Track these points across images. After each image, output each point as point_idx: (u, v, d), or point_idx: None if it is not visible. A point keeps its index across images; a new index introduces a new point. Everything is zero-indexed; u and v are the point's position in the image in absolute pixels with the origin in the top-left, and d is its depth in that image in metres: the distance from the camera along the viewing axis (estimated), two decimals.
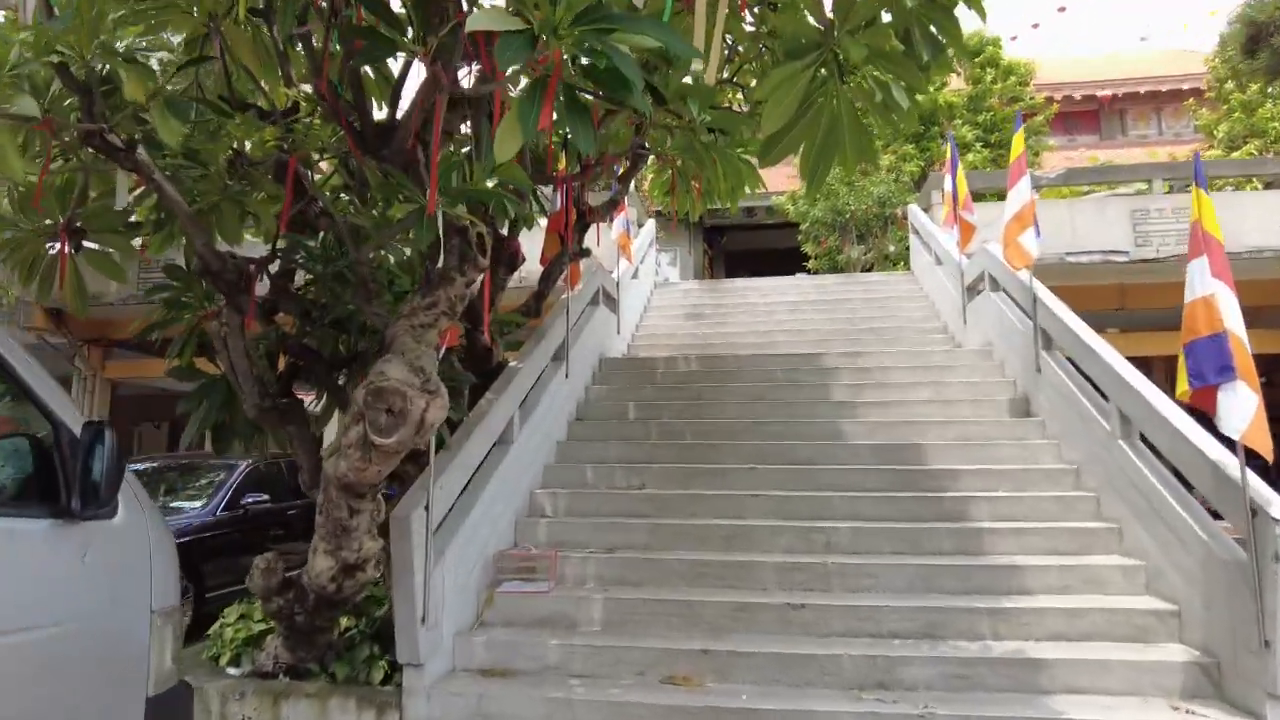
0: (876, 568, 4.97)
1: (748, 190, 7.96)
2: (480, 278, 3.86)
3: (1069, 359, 6.18)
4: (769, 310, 10.67)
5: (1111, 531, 5.16)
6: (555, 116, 2.52)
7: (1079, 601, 4.61)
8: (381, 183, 3.53)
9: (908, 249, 16.44)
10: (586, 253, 6.77)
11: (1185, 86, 22.32)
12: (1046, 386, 6.44)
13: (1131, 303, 11.15)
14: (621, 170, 7.43)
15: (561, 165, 6.35)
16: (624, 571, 5.16)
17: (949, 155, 9.08)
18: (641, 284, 10.98)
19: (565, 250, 6.49)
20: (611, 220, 9.35)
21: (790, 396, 7.42)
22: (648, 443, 6.82)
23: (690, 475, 6.21)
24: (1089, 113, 23.66)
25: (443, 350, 4.47)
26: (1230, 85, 18.60)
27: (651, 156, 8.71)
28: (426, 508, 4.26)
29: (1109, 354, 5.48)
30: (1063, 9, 20.48)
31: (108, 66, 3.69)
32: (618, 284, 9.23)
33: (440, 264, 3.78)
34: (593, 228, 9.40)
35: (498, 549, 5.28)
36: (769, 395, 7.47)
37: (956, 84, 19.96)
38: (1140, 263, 10.08)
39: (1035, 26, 18.45)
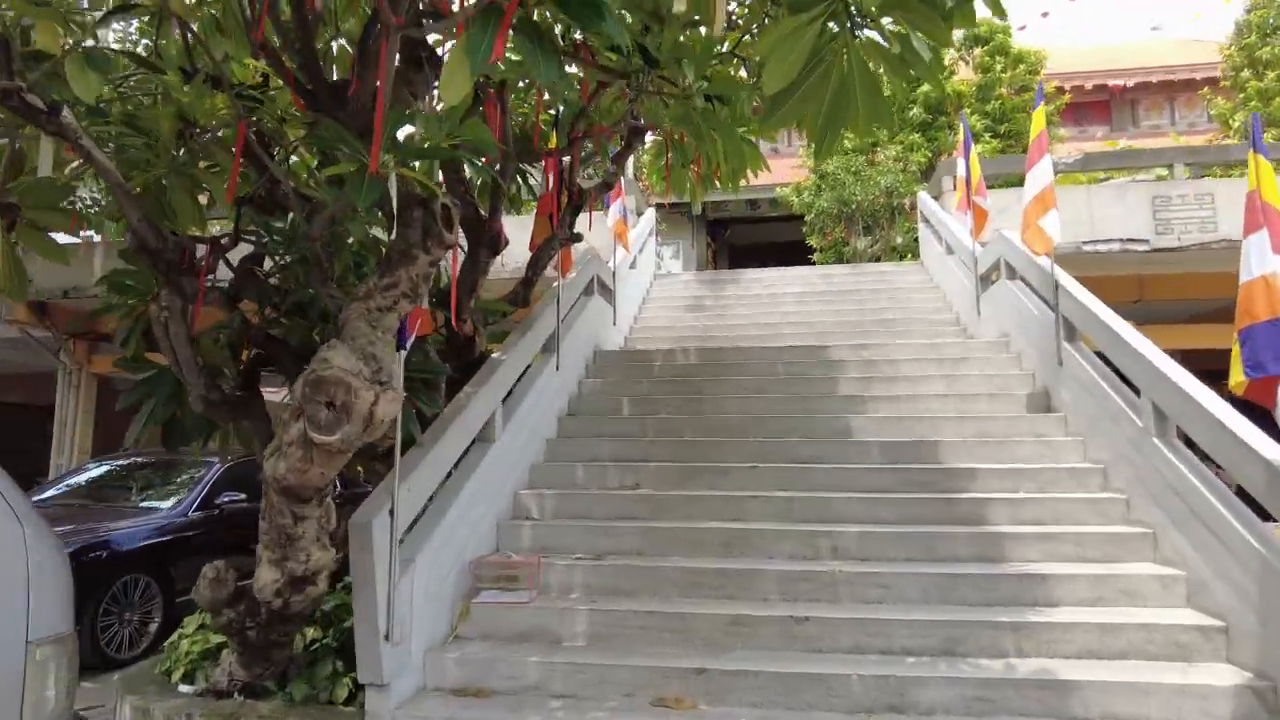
0: (888, 576, 4.53)
1: (751, 174, 7.57)
2: (445, 255, 3.43)
3: (1096, 352, 5.72)
4: (774, 301, 10.22)
5: (1145, 537, 4.70)
6: (514, 49, 2.08)
7: (1113, 615, 4.16)
8: (315, 135, 3.10)
9: (916, 240, 16.01)
10: (578, 237, 6.33)
11: (1199, 76, 21.77)
12: (1069, 380, 5.98)
13: (1150, 295, 10.68)
14: (617, 147, 7.01)
15: (552, 143, 5.93)
16: (613, 580, 4.73)
17: (962, 138, 8.61)
18: (640, 275, 10.54)
19: (555, 235, 6.05)
20: (607, 206, 8.92)
21: (795, 391, 6.97)
22: (643, 440, 6.38)
23: (688, 475, 5.78)
24: (1100, 103, 23.12)
25: (411, 339, 4.05)
26: (1247, 74, 18.07)
27: (649, 139, 8.29)
28: (391, 512, 3.84)
29: (1141, 343, 5.02)
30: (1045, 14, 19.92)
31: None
32: (614, 274, 8.79)
33: (401, 240, 3.35)
34: (590, 218, 8.99)
35: (477, 555, 4.85)
36: (772, 389, 7.02)
37: (964, 73, 19.45)
38: (1161, 252, 9.60)
39: (1045, 15, 17.78)
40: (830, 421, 6.32)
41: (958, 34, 19.49)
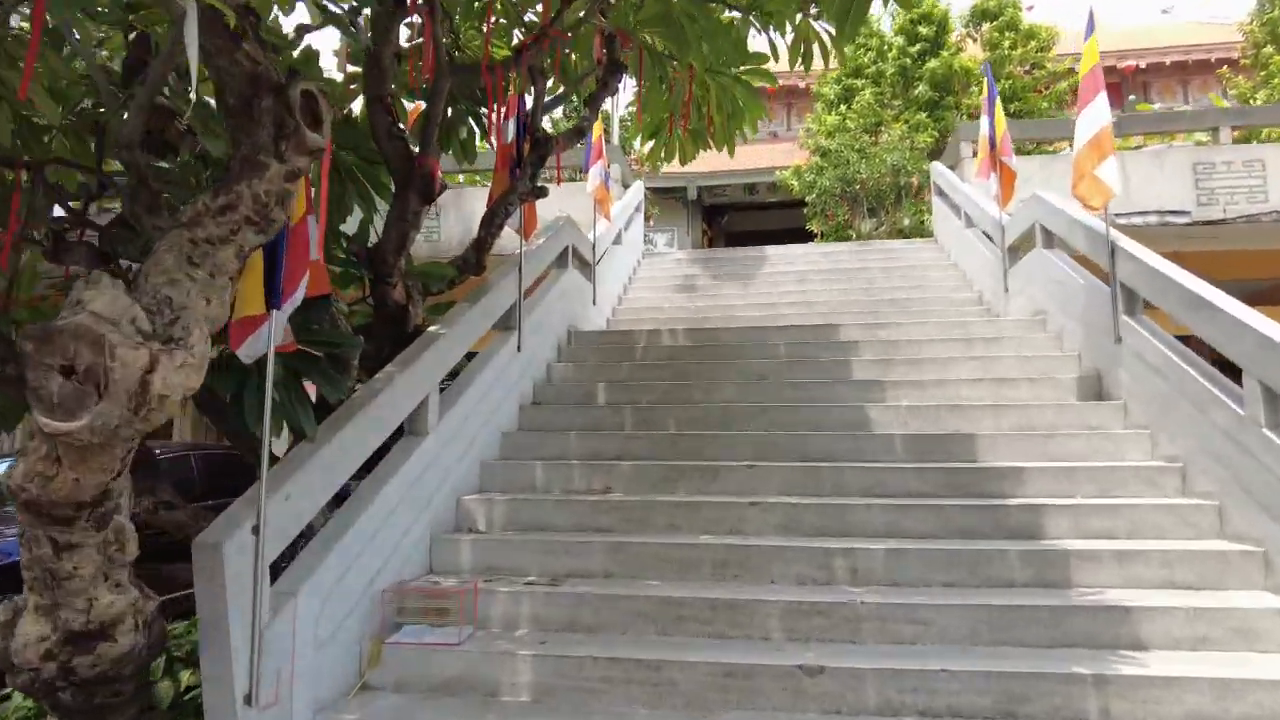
0: (924, 609, 3.46)
1: (747, 131, 6.51)
2: (309, 165, 2.36)
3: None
4: (772, 281, 9.14)
5: (1251, 557, 3.64)
6: None
7: (1228, 665, 3.09)
8: None
9: (923, 222, 14.92)
10: (542, 191, 5.24)
11: (1214, 57, 20.69)
12: (1130, 360, 4.91)
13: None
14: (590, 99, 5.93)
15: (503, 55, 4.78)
16: (571, 612, 3.66)
17: (985, 94, 7.52)
18: (626, 252, 9.45)
19: (514, 187, 4.98)
20: (586, 169, 7.84)
21: (801, 375, 5.89)
22: (620, 434, 5.31)
23: (671, 476, 4.71)
24: (1111, 85, 21.95)
25: (296, 298, 2.99)
26: (1270, 49, 16.98)
27: (633, 86, 7.20)
28: (255, 530, 2.77)
29: (1242, 310, 3.95)
30: None
31: None
32: (594, 246, 7.72)
33: (244, 142, 2.28)
34: (559, 181, 7.90)
35: (398, 580, 3.78)
36: (774, 374, 5.94)
37: (974, 50, 18.36)
38: (1204, 225, 8.53)
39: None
40: (844, 411, 5.25)
41: (964, 5, 18.39)
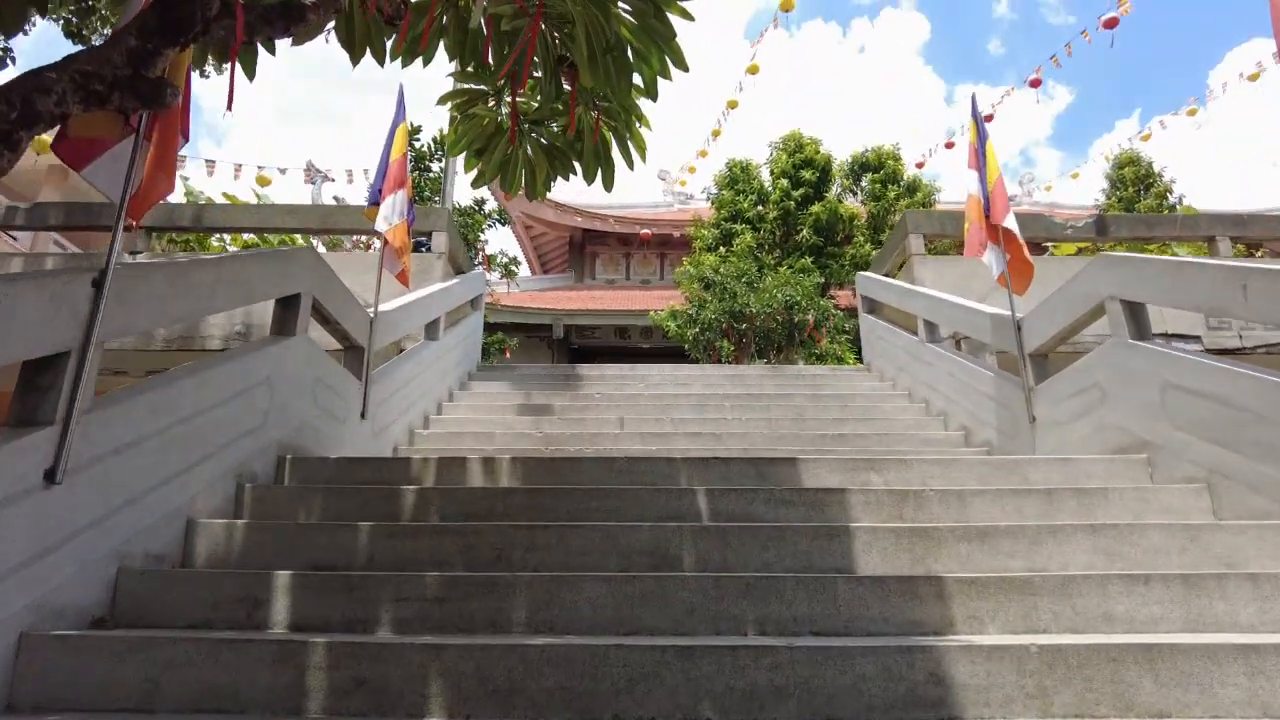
0: None
1: (636, 157, 3.74)
2: None
3: None
4: (661, 405, 6.00)
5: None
6: None
7: None
8: None
9: (817, 362, 12.53)
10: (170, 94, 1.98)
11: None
12: None
13: None
14: None
15: None
16: None
17: (974, 132, 5.03)
18: (445, 350, 6.09)
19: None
20: (374, 201, 4.64)
21: (739, 562, 2.63)
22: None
23: None
24: None
25: None
26: None
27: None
28: None
29: None
30: (950, 144, 18.33)
31: None
32: (372, 320, 4.37)
33: None
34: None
35: None
36: (683, 554, 2.66)
37: (852, 202, 17.17)
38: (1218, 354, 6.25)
39: (950, 145, 15.78)
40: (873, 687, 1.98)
41: (843, 156, 17.28)
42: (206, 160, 14.08)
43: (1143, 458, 3.47)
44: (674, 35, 3.10)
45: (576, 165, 3.97)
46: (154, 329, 2.53)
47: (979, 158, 4.91)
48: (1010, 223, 4.59)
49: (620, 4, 3.13)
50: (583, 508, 3.02)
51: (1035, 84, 14.48)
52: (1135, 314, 3.64)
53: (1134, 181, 17.02)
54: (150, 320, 2.58)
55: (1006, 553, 2.73)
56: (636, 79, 3.40)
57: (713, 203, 17.12)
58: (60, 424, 2.16)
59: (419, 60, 3.56)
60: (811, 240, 15.48)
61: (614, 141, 3.85)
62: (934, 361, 5.70)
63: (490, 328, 13.37)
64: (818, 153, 15.85)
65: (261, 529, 2.73)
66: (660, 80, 3.36)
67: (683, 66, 3.22)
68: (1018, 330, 4.52)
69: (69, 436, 2.16)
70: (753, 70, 14.15)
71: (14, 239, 10.81)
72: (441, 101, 4.08)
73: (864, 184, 16.71)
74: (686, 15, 3.15)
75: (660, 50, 3.21)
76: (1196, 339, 6.27)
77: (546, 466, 3.50)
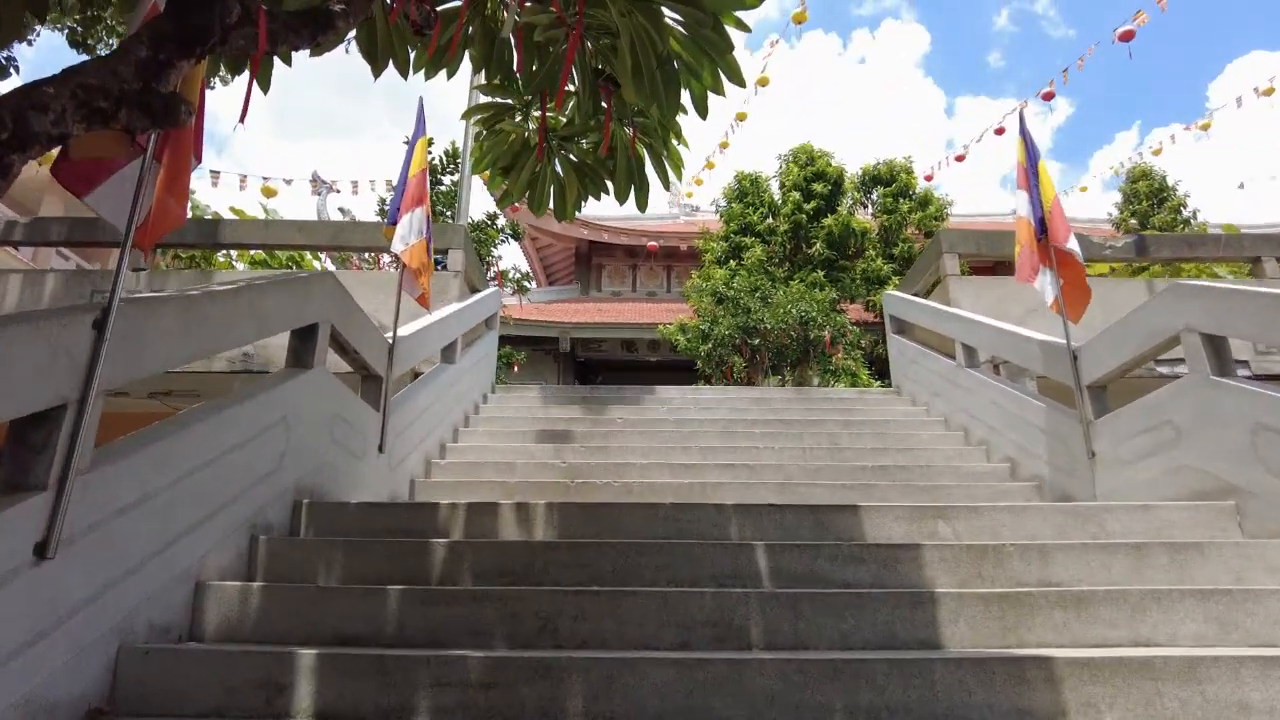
0: None
1: (674, 180, 3.46)
2: None
3: None
4: (686, 433, 5.70)
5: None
6: None
7: None
8: None
9: (831, 378, 12.24)
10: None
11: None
12: None
13: None
14: None
15: None
16: None
17: (1023, 151, 4.76)
18: (461, 373, 5.81)
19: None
20: (392, 220, 4.37)
21: (804, 620, 2.34)
22: None
23: None
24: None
25: None
26: None
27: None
28: None
29: None
30: (961, 157, 18.10)
31: None
32: (392, 347, 4.09)
33: None
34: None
35: None
36: (737, 616, 2.37)
37: (863, 215, 16.92)
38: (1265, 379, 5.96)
39: (961, 158, 15.56)
40: None
41: (850, 168, 17.00)
42: (211, 171, 13.83)
43: (1230, 504, 3.19)
44: (731, 48, 2.83)
45: (608, 184, 3.73)
46: (161, 371, 2.23)
47: (1029, 178, 4.64)
48: (1073, 244, 4.32)
49: (670, 14, 2.87)
50: (631, 565, 2.73)
51: (1048, 97, 14.29)
52: (1217, 348, 3.36)
53: (1148, 195, 16.79)
54: (159, 362, 2.30)
55: (1107, 622, 2.44)
56: (684, 95, 3.14)
57: (721, 215, 16.87)
58: (54, 489, 1.88)
59: (441, 71, 3.31)
60: (824, 254, 15.23)
61: (648, 159, 3.61)
62: (974, 388, 5.42)
63: (498, 341, 13.08)
64: (830, 165, 15.61)
65: (279, 593, 2.44)
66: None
67: (738, 81, 2.95)
68: (1074, 359, 4.24)
69: (63, 503, 1.88)
70: (763, 83, 13.92)
71: (14, 251, 10.54)
72: (466, 116, 3.82)
73: (874, 197, 16.46)
74: (743, 26, 2.89)
75: (714, 64, 2.94)
76: (1244, 364, 6.00)
77: (585, 514, 3.21)
